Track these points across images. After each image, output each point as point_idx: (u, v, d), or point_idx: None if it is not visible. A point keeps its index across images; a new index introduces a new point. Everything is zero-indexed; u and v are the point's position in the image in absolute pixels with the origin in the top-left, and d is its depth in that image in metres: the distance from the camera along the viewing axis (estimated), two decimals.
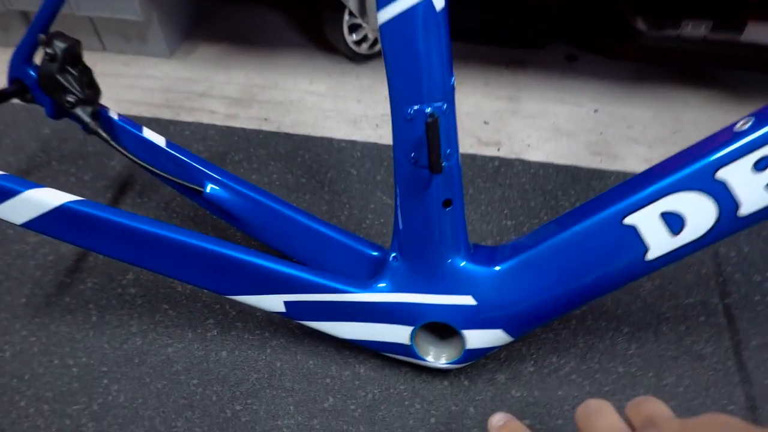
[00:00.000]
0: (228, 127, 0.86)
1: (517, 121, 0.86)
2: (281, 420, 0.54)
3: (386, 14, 0.41)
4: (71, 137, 0.84)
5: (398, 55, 0.42)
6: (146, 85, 0.96)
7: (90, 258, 0.69)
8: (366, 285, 0.52)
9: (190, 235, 0.51)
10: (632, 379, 0.57)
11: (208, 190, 0.60)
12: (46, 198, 0.49)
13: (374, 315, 0.52)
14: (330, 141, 0.83)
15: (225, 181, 0.60)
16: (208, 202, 0.60)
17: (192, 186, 0.61)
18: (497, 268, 0.50)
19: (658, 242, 0.44)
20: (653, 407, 0.28)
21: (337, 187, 0.77)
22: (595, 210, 0.47)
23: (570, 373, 0.57)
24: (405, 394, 0.56)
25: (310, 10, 1.05)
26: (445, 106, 0.44)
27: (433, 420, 0.54)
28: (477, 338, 0.51)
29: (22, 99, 0.65)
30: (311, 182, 0.77)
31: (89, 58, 1.05)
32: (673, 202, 0.43)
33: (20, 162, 0.81)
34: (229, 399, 0.56)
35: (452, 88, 0.44)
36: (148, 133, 0.63)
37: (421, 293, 0.51)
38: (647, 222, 0.44)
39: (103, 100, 0.62)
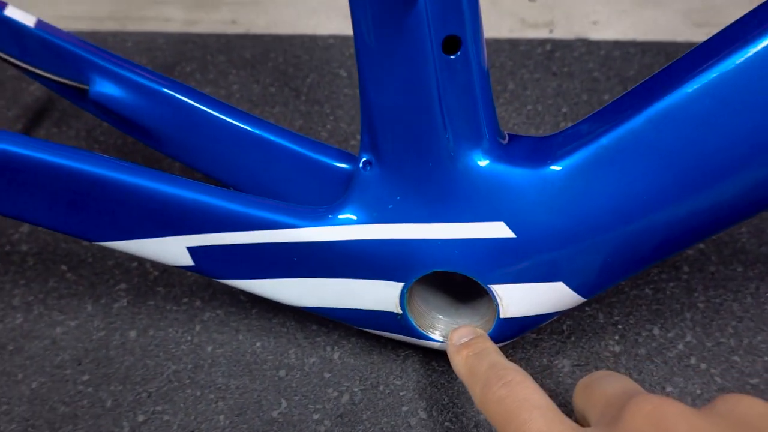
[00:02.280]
0: (182, 34, 0.65)
1: None
2: None
3: None
4: None
5: None
6: None
7: None
8: (320, 215, 0.30)
9: (24, 146, 0.30)
10: None
11: (96, 87, 0.39)
12: None
13: (337, 264, 0.30)
14: (313, 39, 0.61)
15: (121, 73, 0.39)
16: (98, 105, 0.40)
17: (72, 83, 0.40)
18: (554, 167, 0.26)
19: None
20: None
21: (319, 94, 0.54)
22: (748, 34, 0.23)
23: (685, 354, 0.34)
24: (402, 394, 0.34)
25: None
26: None
27: None
28: (519, 299, 0.29)
29: None
30: (283, 91, 0.55)
31: None
32: None
33: None
34: (130, 405, 0.36)
35: None
36: (12, 13, 0.42)
37: (413, 222, 0.28)
38: None
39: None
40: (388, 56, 0.25)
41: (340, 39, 0.60)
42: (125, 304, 0.41)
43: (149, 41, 0.65)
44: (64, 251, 0.45)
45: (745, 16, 0.24)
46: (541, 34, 0.57)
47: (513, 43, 0.55)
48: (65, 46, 0.40)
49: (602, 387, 0.22)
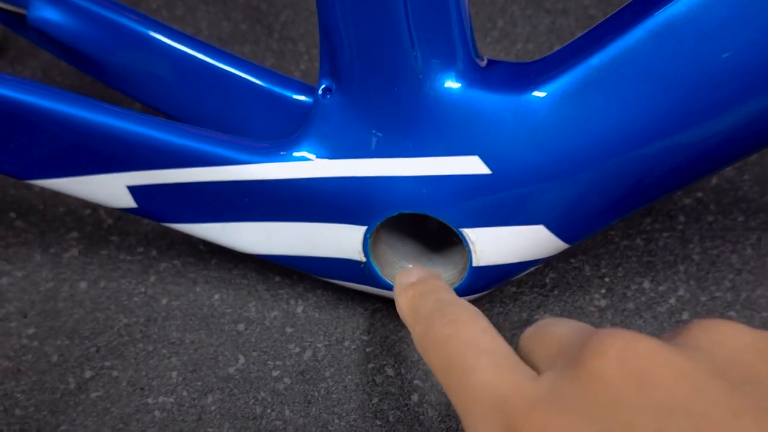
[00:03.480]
0: None
1: None
2: (153, 396, 0.31)
3: None
4: None
5: None
6: None
7: None
8: (274, 150, 0.27)
9: None
10: None
11: (35, 11, 0.35)
12: None
13: (293, 206, 0.27)
14: None
15: None
16: (39, 32, 0.36)
17: (7, 6, 0.36)
18: (538, 93, 0.23)
19: None
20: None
21: (293, 32, 0.50)
22: None
23: (677, 309, 0.31)
24: (369, 350, 0.31)
25: None
26: None
27: (415, 397, 0.30)
28: (494, 245, 0.25)
29: None
30: (255, 28, 0.51)
31: None
32: None
33: None
34: (77, 360, 0.33)
35: None
36: None
37: (376, 157, 0.25)
38: None
39: None
40: None
41: None
42: (76, 253, 0.38)
43: None
44: (13, 197, 0.42)
45: None
46: None
47: None
48: None
49: (552, 331, 0.18)
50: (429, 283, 0.23)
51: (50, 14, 0.35)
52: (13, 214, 0.41)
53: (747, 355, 0.14)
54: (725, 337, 0.15)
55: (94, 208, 0.40)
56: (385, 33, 0.23)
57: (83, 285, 0.36)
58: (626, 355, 0.14)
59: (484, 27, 0.47)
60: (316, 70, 0.47)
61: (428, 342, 0.20)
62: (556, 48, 0.45)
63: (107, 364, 0.33)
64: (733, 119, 0.21)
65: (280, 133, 0.32)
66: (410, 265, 0.29)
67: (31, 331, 0.35)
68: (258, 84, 0.32)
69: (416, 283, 0.24)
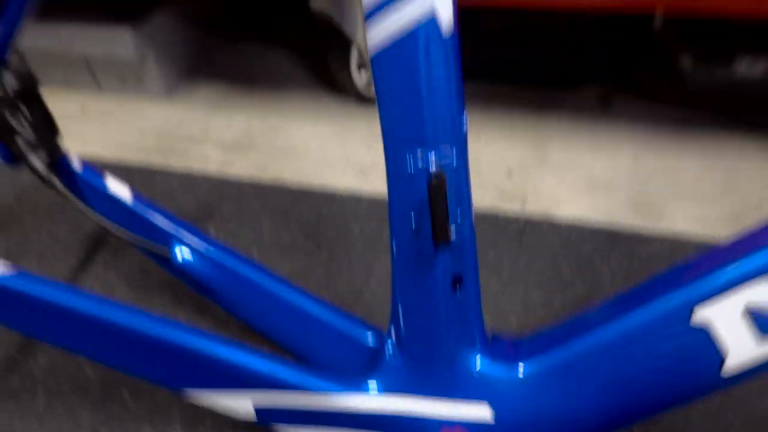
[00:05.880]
0: (221, 179, 0.77)
1: (545, 173, 0.76)
2: None
3: (378, 37, 0.31)
4: None
5: (394, 91, 0.33)
6: (140, 127, 0.89)
7: None
8: (350, 383, 0.41)
9: (124, 314, 0.41)
10: None
11: (176, 256, 0.51)
12: None
13: (358, 424, 0.41)
14: (332, 196, 0.74)
15: (197, 245, 0.51)
16: (177, 269, 0.51)
17: (157, 250, 0.51)
18: (521, 367, 0.39)
19: (739, 348, 0.33)
20: None
21: (338, 248, 0.67)
22: (653, 299, 0.36)
23: None
24: None
25: (316, 47, 0.98)
26: (455, 160, 0.34)
27: None
28: None
29: None
30: (308, 242, 0.67)
31: (83, 97, 1.00)
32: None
33: None
34: None
35: (464, 135, 0.34)
36: (113, 186, 0.54)
37: (421, 396, 0.40)
38: (725, 320, 0.33)
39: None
40: (414, 287, 0.38)
41: (354, 199, 0.73)
42: (177, 428, 0.51)
43: (192, 182, 0.77)
44: (125, 376, 0.55)
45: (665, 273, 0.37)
46: (516, 206, 0.71)
47: (494, 217, 0.69)
48: (153, 218, 0.52)
49: None
50: None
51: (187, 259, 0.50)
52: (125, 392, 0.53)
53: None
54: None
55: None
56: (432, 327, 0.38)
57: None
58: None
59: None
60: (356, 283, 0.63)
61: None
62: (531, 280, 0.62)
63: None
64: (660, 388, 0.37)
65: (343, 362, 0.47)
66: None
67: None
68: (335, 324, 0.47)
69: None
